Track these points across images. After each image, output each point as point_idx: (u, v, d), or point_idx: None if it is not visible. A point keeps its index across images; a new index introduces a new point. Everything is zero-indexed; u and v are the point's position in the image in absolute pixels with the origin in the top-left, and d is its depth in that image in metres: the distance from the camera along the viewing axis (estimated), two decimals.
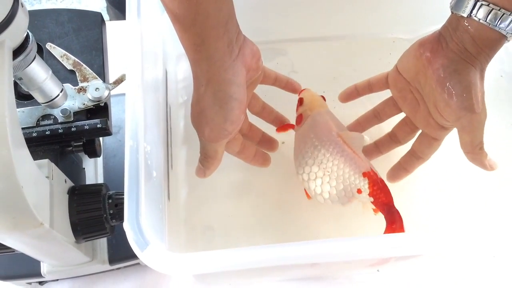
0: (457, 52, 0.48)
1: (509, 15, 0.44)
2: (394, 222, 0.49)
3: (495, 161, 0.50)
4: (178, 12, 0.44)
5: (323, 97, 0.59)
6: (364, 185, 0.51)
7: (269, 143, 0.59)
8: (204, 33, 0.44)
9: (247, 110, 0.57)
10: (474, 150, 0.49)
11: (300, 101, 0.58)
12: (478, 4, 0.45)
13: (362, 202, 0.52)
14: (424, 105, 0.52)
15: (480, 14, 0.45)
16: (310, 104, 0.56)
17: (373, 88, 0.57)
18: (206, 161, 0.51)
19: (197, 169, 0.53)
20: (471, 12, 0.46)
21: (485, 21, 0.45)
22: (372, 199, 0.51)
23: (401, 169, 0.56)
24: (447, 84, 0.48)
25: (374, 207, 0.52)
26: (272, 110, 0.59)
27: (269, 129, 0.59)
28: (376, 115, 0.58)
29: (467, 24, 0.47)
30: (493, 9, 0.45)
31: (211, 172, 0.52)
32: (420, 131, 0.55)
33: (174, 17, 0.44)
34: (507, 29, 0.45)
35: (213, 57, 0.45)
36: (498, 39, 0.46)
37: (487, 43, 0.46)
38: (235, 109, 0.47)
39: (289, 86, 0.58)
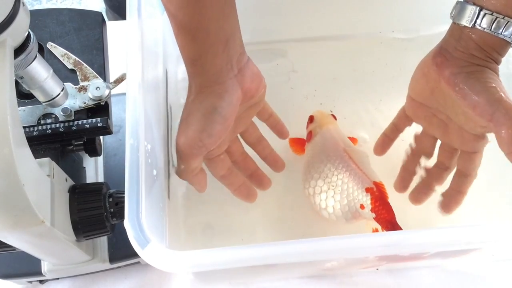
0: (464, 59, 0.47)
1: None
2: None
3: None
4: (181, 26, 0.44)
5: (333, 115, 0.59)
6: (367, 200, 0.51)
7: (260, 180, 0.56)
8: (202, 49, 0.45)
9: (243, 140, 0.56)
10: None
11: (311, 119, 0.60)
12: (482, 13, 0.44)
13: (366, 219, 0.53)
14: (452, 122, 0.50)
15: (484, 23, 0.44)
16: (320, 121, 0.58)
17: (400, 127, 0.56)
18: (184, 177, 0.50)
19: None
20: (475, 22, 0.45)
21: (490, 30, 0.44)
22: (374, 215, 0.51)
23: (456, 192, 0.52)
24: (465, 87, 0.46)
25: (374, 228, 0.52)
26: (267, 146, 0.57)
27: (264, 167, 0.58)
28: (423, 151, 0.55)
29: (470, 33, 0.46)
30: (497, 17, 0.44)
31: (201, 188, 0.51)
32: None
33: (177, 29, 0.45)
34: None
35: (208, 72, 0.46)
36: (503, 45, 0.46)
37: (493, 48, 0.46)
38: (217, 123, 0.46)
39: (278, 127, 0.57)
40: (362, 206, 0.51)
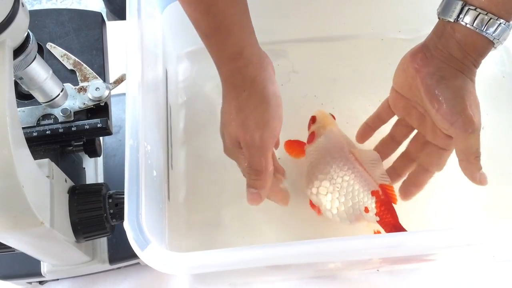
0: (442, 59, 0.47)
1: (496, 19, 0.44)
2: None
3: (487, 177, 0.47)
4: (209, 29, 0.45)
5: (332, 115, 0.59)
6: (372, 203, 0.51)
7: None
8: (242, 42, 0.45)
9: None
10: (469, 158, 0.47)
11: (313, 119, 0.59)
12: (466, 8, 0.44)
13: (368, 222, 0.52)
14: (429, 116, 0.51)
15: (467, 19, 0.44)
16: (323, 121, 0.57)
17: (383, 118, 0.56)
18: (259, 179, 0.47)
19: (249, 197, 0.48)
20: (458, 16, 0.45)
21: (472, 25, 0.44)
22: (378, 219, 0.51)
23: (412, 185, 0.54)
24: (435, 91, 0.46)
25: (376, 230, 0.52)
26: (273, 154, 0.55)
27: None
28: (394, 139, 0.56)
29: (452, 30, 0.46)
30: (480, 13, 0.44)
31: (267, 191, 0.48)
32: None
33: (206, 34, 0.45)
34: (494, 34, 0.44)
35: (252, 62, 0.46)
36: (485, 45, 0.46)
37: (473, 48, 0.46)
38: (279, 106, 0.47)
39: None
40: (366, 209, 0.51)
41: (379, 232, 0.52)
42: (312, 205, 0.55)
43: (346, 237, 0.39)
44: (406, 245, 0.38)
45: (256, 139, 0.46)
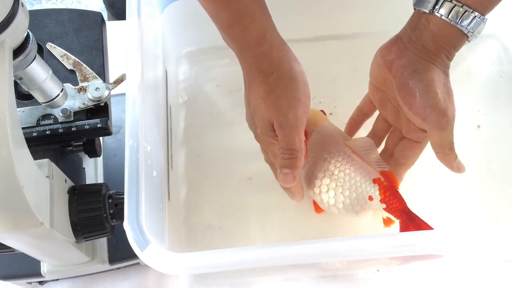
0: (415, 51, 0.47)
1: (471, 12, 0.44)
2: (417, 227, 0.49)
3: (463, 164, 0.49)
4: (231, 18, 0.45)
5: (322, 111, 0.59)
6: (375, 191, 0.51)
7: None
8: (264, 26, 0.46)
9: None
10: (444, 150, 0.47)
11: None
12: (441, 0, 0.44)
13: (374, 210, 0.52)
14: (402, 110, 0.51)
15: (443, 10, 0.45)
16: (313, 118, 0.57)
17: (365, 112, 0.56)
18: (292, 158, 0.47)
19: (282, 178, 0.47)
20: (433, 8, 0.45)
21: (447, 17, 0.44)
22: (384, 206, 0.50)
23: None
24: (408, 84, 0.46)
25: (385, 217, 0.51)
26: None
27: None
28: (375, 134, 0.56)
29: (427, 22, 0.46)
30: (455, 5, 0.44)
31: (299, 171, 0.48)
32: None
33: (228, 24, 0.45)
34: (468, 27, 0.44)
35: (276, 44, 0.47)
36: (459, 37, 0.46)
37: (447, 41, 0.46)
38: (307, 84, 0.48)
39: None
40: (370, 198, 0.51)
41: (389, 219, 0.51)
42: (316, 205, 0.55)
43: (347, 237, 0.39)
44: (406, 247, 0.38)
45: (290, 118, 0.46)
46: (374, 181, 0.51)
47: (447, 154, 0.48)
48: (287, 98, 0.46)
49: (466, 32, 0.45)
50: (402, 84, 0.47)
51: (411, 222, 0.49)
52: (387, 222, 0.52)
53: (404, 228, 0.50)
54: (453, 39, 0.46)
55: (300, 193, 0.52)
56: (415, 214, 0.50)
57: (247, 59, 0.47)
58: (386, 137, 0.56)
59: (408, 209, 0.50)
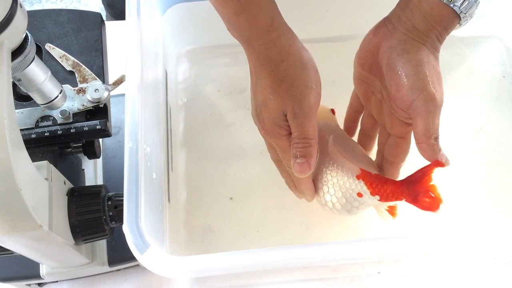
0: (405, 31, 0.46)
1: None
2: (428, 206, 0.46)
3: (448, 158, 0.45)
4: (239, 6, 0.43)
5: (332, 110, 0.58)
6: (362, 187, 0.50)
7: None
8: (271, 13, 0.45)
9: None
10: (429, 140, 0.44)
11: None
12: None
13: (374, 206, 0.51)
14: (385, 103, 0.49)
15: None
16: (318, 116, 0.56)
17: (356, 108, 0.56)
18: (307, 146, 0.46)
19: (297, 168, 0.47)
20: None
21: None
22: (378, 197, 0.49)
23: None
24: (396, 65, 0.45)
25: (387, 208, 0.50)
26: None
27: None
28: (365, 133, 0.56)
29: (418, 1, 0.45)
30: None
31: (315, 159, 0.47)
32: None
33: (236, 12, 0.44)
34: (461, 7, 0.44)
35: (284, 32, 0.46)
36: (451, 17, 0.45)
37: (439, 20, 0.45)
38: (317, 71, 0.47)
39: None
40: (359, 195, 0.49)
41: (391, 208, 0.50)
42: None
43: (346, 241, 0.38)
44: (407, 249, 0.38)
45: (304, 106, 0.45)
46: (358, 177, 0.49)
47: (432, 145, 0.44)
48: (300, 87, 0.45)
49: (458, 13, 0.44)
50: (389, 65, 0.46)
51: (412, 191, 0.47)
52: (391, 212, 0.50)
53: (416, 203, 0.47)
54: (445, 19, 0.45)
55: (311, 190, 0.51)
56: (408, 180, 0.47)
57: (255, 48, 0.46)
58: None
59: (400, 184, 0.48)
